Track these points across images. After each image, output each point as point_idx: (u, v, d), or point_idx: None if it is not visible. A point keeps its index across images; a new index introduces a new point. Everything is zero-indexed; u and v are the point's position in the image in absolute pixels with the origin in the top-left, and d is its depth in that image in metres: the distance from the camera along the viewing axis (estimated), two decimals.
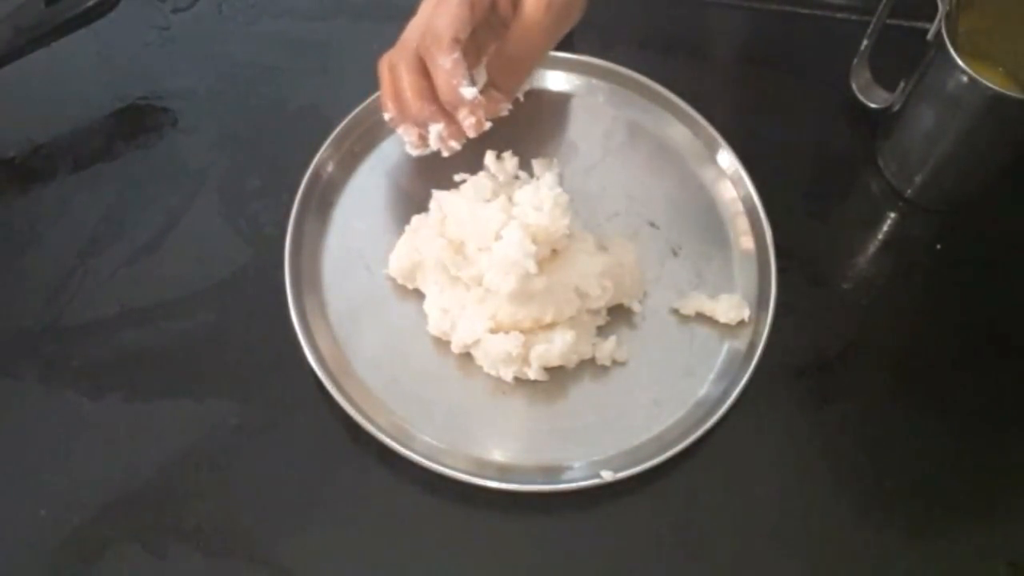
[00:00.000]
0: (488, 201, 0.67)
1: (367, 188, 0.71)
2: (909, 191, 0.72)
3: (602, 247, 0.68)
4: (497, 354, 0.64)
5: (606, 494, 0.61)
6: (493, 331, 0.64)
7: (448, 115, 0.64)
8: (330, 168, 0.71)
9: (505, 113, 0.67)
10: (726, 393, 0.64)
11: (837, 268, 0.70)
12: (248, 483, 0.62)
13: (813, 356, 0.68)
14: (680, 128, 0.74)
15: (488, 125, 0.65)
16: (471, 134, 0.65)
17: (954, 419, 0.66)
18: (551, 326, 0.64)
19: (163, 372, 0.65)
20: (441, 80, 0.62)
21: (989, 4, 0.65)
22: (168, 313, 0.67)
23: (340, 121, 0.71)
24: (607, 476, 0.61)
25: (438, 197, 0.69)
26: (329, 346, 0.65)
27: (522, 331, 0.64)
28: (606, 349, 0.65)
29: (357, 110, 0.72)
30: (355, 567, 0.61)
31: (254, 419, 0.64)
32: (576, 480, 0.62)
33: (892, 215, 0.73)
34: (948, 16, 0.62)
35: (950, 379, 0.68)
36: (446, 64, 0.62)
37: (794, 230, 0.70)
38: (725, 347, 0.67)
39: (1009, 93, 0.60)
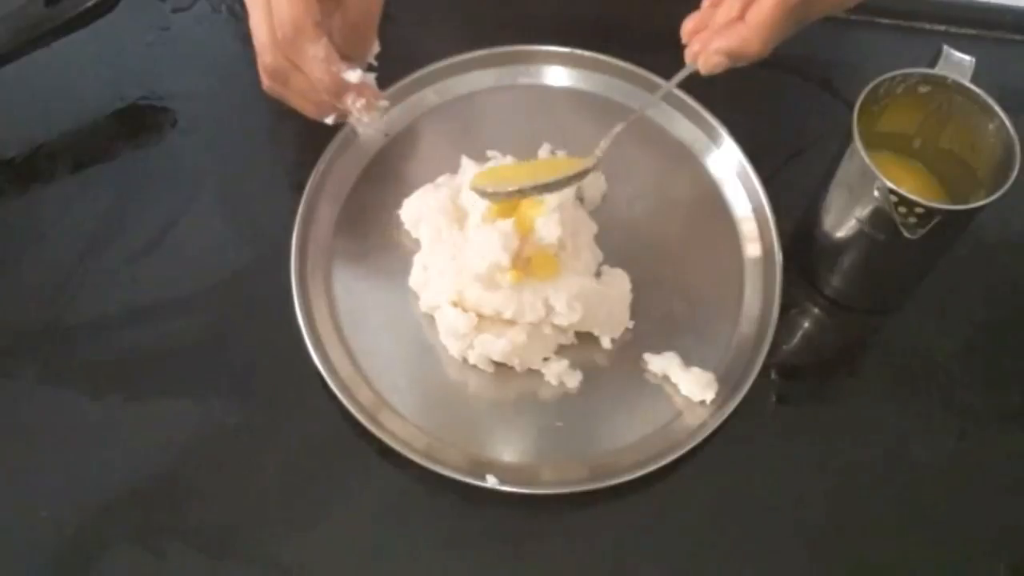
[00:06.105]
0: None
1: (373, 187, 0.71)
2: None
3: (598, 271, 0.68)
4: (448, 326, 0.64)
5: (608, 495, 0.61)
6: (454, 304, 0.64)
7: (339, 99, 0.63)
8: (337, 165, 0.71)
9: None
10: (730, 395, 0.64)
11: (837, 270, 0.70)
12: (248, 483, 0.62)
13: (814, 356, 0.68)
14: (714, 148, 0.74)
15: (384, 104, 0.65)
16: (365, 118, 0.64)
17: (954, 419, 0.66)
18: (510, 323, 0.64)
19: (163, 372, 0.65)
20: (320, 71, 0.60)
21: (908, 109, 0.65)
22: (168, 313, 0.67)
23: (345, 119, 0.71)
24: (608, 480, 0.61)
25: (465, 165, 0.69)
26: (334, 347, 0.65)
27: (480, 316, 0.64)
28: (554, 369, 0.65)
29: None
30: (355, 567, 0.61)
31: (254, 419, 0.64)
32: (575, 482, 0.62)
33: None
34: (864, 114, 0.61)
35: (950, 379, 0.68)
36: (319, 52, 0.59)
37: (797, 230, 0.70)
38: (675, 420, 0.65)
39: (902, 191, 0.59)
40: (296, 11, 0.58)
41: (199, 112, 0.74)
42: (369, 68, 0.66)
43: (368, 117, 0.65)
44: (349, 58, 0.64)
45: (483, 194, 0.64)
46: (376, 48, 0.66)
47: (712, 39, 0.60)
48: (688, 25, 0.63)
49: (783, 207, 0.70)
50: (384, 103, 0.66)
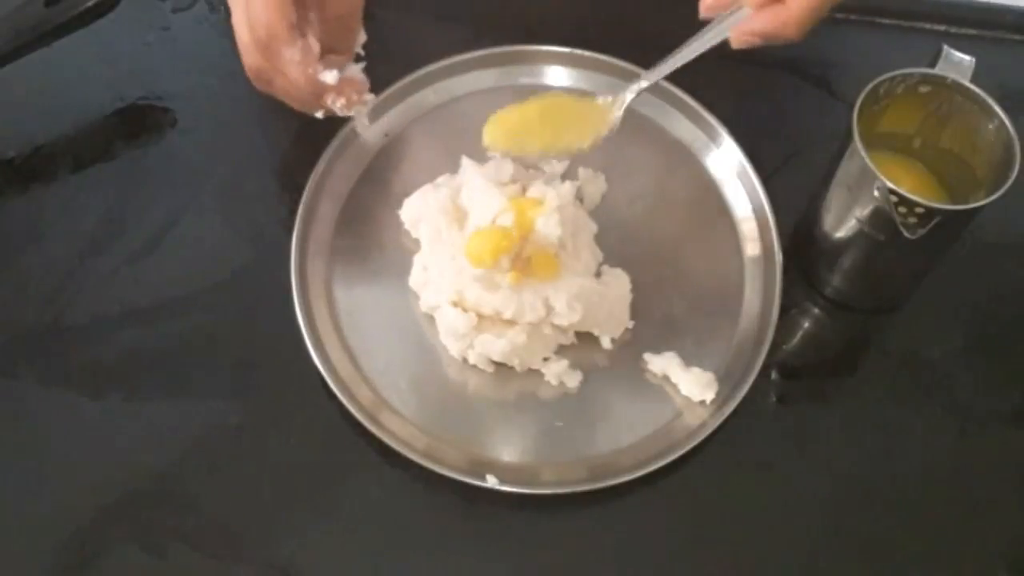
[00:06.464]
0: (504, 185, 0.67)
1: (373, 187, 0.71)
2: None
3: (598, 271, 0.68)
4: (448, 326, 0.64)
5: (608, 495, 0.61)
6: (454, 304, 0.64)
7: (318, 100, 0.63)
8: (337, 165, 0.71)
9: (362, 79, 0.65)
10: (730, 394, 0.64)
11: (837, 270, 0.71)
12: (248, 483, 0.62)
13: (814, 356, 0.68)
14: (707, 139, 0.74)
15: (369, 97, 0.65)
16: (348, 113, 0.64)
17: (954, 419, 0.66)
18: (510, 323, 0.64)
19: (163, 372, 0.65)
20: (296, 74, 0.60)
21: (908, 109, 0.65)
22: (168, 313, 0.67)
23: (346, 119, 0.71)
24: (608, 480, 0.61)
25: (465, 165, 0.69)
26: (334, 347, 0.65)
27: (480, 316, 0.64)
28: (554, 369, 0.65)
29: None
30: (355, 567, 0.61)
31: (254, 419, 0.64)
32: (575, 482, 0.62)
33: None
34: (864, 114, 0.61)
35: (950, 379, 0.68)
36: (295, 56, 0.59)
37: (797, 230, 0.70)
38: (675, 420, 0.65)
39: (901, 190, 0.59)
40: (270, 15, 0.58)
41: (199, 112, 0.74)
42: (357, 58, 0.66)
43: (354, 111, 0.65)
44: (336, 50, 0.63)
45: (505, 155, 0.64)
46: (363, 38, 0.66)
47: (750, 19, 0.58)
48: None
49: (783, 207, 0.70)
50: (369, 97, 0.66)
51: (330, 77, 0.61)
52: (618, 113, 0.64)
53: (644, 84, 0.64)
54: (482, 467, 0.62)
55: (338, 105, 0.63)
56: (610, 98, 0.65)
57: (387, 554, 0.61)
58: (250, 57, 0.61)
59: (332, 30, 0.63)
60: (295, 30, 0.59)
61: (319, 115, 0.66)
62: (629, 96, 0.64)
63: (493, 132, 0.64)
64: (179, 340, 0.66)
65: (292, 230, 0.67)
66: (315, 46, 0.62)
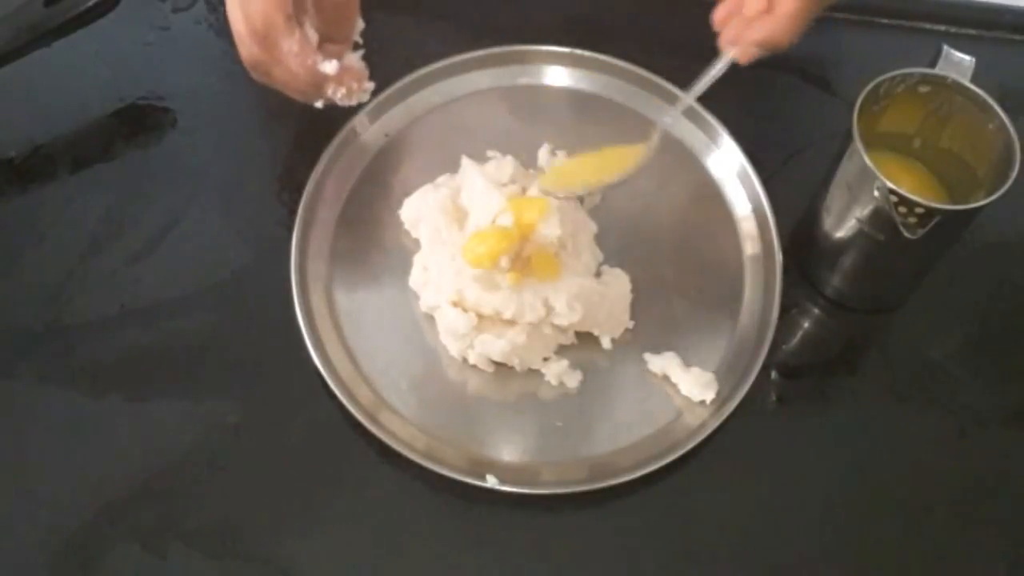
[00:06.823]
0: (504, 185, 0.67)
1: (373, 187, 0.71)
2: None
3: (598, 271, 0.68)
4: (448, 326, 0.64)
5: (608, 495, 0.61)
6: (454, 304, 0.64)
7: (318, 90, 0.62)
8: (338, 165, 0.71)
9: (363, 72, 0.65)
10: (730, 394, 0.64)
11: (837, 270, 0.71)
12: (248, 483, 0.62)
13: (814, 356, 0.68)
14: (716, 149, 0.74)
15: (369, 85, 0.64)
16: (351, 102, 0.64)
17: (954, 419, 0.66)
18: (510, 323, 0.64)
19: (163, 372, 0.65)
20: (296, 65, 0.59)
21: (908, 109, 0.65)
22: (168, 313, 0.67)
23: (346, 119, 0.71)
24: (608, 480, 0.61)
25: (465, 165, 0.69)
26: (334, 347, 0.65)
27: (480, 316, 0.64)
28: (554, 369, 0.65)
29: (366, 108, 0.71)
30: (355, 567, 0.61)
31: (254, 419, 0.64)
32: (575, 482, 0.62)
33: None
34: (864, 114, 0.61)
35: (950, 379, 0.68)
36: (293, 47, 0.58)
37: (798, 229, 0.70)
38: (675, 420, 0.65)
39: (900, 190, 0.59)
40: (267, 6, 0.57)
41: (199, 112, 0.74)
42: (355, 47, 0.65)
43: (355, 100, 0.64)
44: (334, 39, 0.63)
45: (555, 196, 0.67)
46: (360, 25, 0.65)
47: (745, 32, 0.61)
48: (719, 13, 0.64)
49: (783, 207, 0.70)
50: (369, 85, 0.65)
51: (330, 67, 0.61)
52: (653, 146, 0.68)
53: (668, 120, 0.68)
54: (482, 467, 0.62)
55: (339, 95, 0.63)
56: (653, 139, 0.68)
57: (387, 554, 0.61)
58: (247, 49, 0.61)
59: (329, 19, 0.62)
60: (292, 20, 0.58)
61: (319, 105, 0.65)
62: (658, 134, 0.68)
63: (548, 179, 0.69)
64: (179, 340, 0.66)
65: (292, 230, 0.67)
66: (313, 36, 0.61)
